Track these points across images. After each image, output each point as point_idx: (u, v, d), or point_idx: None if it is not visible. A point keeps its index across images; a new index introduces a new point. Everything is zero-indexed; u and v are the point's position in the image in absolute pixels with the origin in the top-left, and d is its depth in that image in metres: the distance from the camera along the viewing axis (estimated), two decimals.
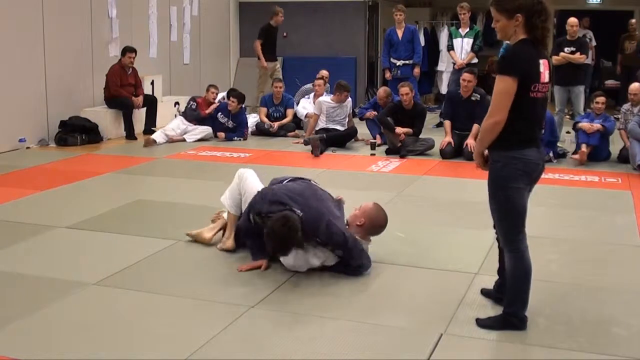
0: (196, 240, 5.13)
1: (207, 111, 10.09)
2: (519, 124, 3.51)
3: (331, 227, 4.41)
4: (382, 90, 10.08)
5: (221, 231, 5.14)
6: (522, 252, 3.64)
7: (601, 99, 8.87)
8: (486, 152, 3.65)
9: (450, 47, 11.27)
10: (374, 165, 8.36)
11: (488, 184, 3.66)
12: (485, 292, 4.14)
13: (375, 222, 4.64)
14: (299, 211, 4.39)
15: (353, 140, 9.84)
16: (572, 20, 9.87)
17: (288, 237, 4.27)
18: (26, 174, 7.71)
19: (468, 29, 11.18)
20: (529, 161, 3.56)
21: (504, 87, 3.47)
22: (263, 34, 11.89)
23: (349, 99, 9.89)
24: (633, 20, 13.92)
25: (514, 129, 3.50)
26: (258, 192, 4.77)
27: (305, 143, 9.37)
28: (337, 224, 4.46)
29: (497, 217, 3.66)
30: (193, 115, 10.03)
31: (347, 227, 4.60)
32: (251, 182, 4.95)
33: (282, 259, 4.52)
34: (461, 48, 11.12)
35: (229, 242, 4.98)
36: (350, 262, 4.49)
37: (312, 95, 10.72)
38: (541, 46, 3.59)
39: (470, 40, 11.09)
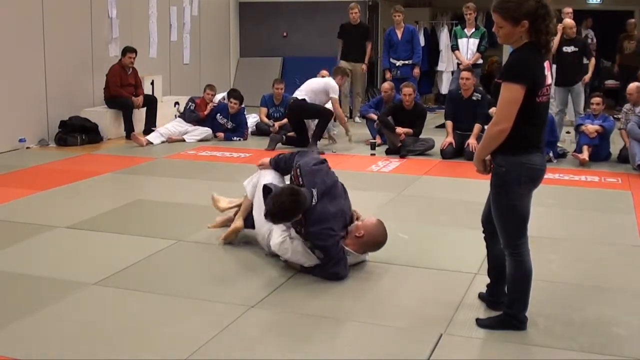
0: (213, 204, 5.38)
1: (206, 112, 10.08)
2: (525, 129, 3.46)
3: (322, 236, 4.42)
4: (386, 84, 10.05)
5: (234, 209, 5.25)
6: (522, 256, 3.63)
7: (596, 99, 8.88)
8: (488, 157, 3.63)
9: (455, 47, 11.22)
10: (374, 165, 8.36)
11: (491, 188, 3.64)
12: (481, 296, 4.14)
13: (374, 239, 4.62)
14: (315, 198, 4.45)
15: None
16: (571, 22, 9.86)
17: (287, 209, 4.34)
18: (26, 174, 7.71)
19: (474, 30, 11.13)
20: (534, 167, 3.53)
21: (511, 95, 3.40)
22: (340, 32, 11.79)
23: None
24: (632, 20, 13.91)
25: (519, 134, 3.45)
26: (311, 156, 4.84)
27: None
28: (333, 239, 4.44)
29: (499, 221, 3.63)
30: (192, 117, 10.02)
31: (346, 234, 4.60)
32: (268, 176, 4.99)
33: (277, 236, 4.57)
34: (467, 48, 11.08)
35: (239, 222, 5.05)
36: (326, 267, 4.48)
37: None
38: (545, 50, 3.50)
39: (476, 41, 11.04)
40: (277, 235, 4.60)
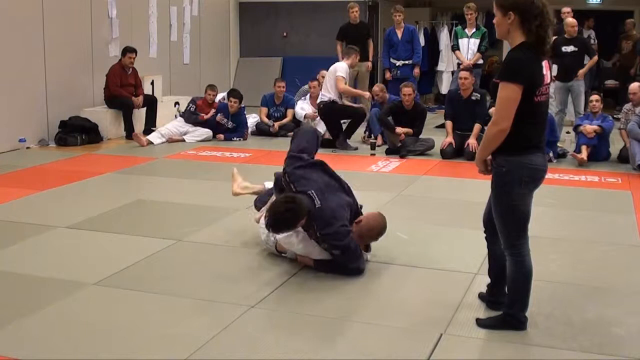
0: (233, 179, 5.44)
1: (207, 117, 10.01)
2: (524, 129, 3.47)
3: (338, 235, 4.42)
4: (376, 86, 10.09)
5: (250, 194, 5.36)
6: (523, 257, 3.63)
7: (594, 97, 8.89)
8: (489, 157, 3.63)
9: (456, 47, 11.22)
10: (374, 165, 8.36)
11: (492, 188, 3.64)
12: (481, 296, 4.14)
13: (371, 226, 4.63)
14: (318, 201, 4.42)
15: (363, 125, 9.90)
16: (572, 21, 9.86)
17: (286, 218, 4.33)
18: (26, 174, 7.71)
19: (475, 30, 11.12)
20: (535, 167, 3.53)
21: (508, 94, 3.41)
22: (339, 34, 11.79)
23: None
24: (629, 20, 13.90)
25: (519, 134, 3.45)
26: (301, 157, 4.74)
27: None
28: (349, 236, 4.46)
29: (499, 221, 3.63)
30: (191, 118, 10.00)
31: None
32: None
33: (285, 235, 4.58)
34: (467, 48, 11.08)
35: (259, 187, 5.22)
36: (346, 264, 4.50)
37: (308, 96, 10.70)
38: (540, 50, 3.51)
39: (477, 41, 11.03)
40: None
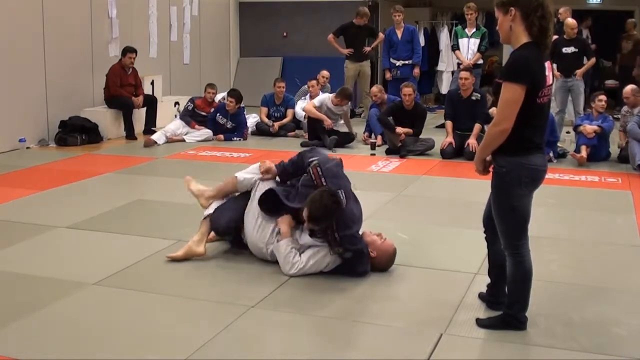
0: (184, 259, 4.77)
1: (197, 126, 9.97)
2: (525, 130, 3.46)
3: (356, 239, 4.47)
4: (374, 88, 10.09)
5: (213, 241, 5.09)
6: (523, 256, 3.63)
7: (603, 97, 8.88)
8: (488, 157, 3.63)
9: (456, 47, 11.22)
10: (374, 165, 8.36)
11: (491, 188, 3.64)
12: (481, 296, 4.14)
13: (381, 263, 4.61)
14: (344, 202, 4.44)
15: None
16: (572, 22, 9.86)
17: (332, 210, 4.32)
18: (26, 174, 7.71)
19: (475, 30, 11.12)
20: (535, 168, 3.54)
21: (511, 95, 3.41)
22: (338, 30, 11.82)
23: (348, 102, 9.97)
24: (630, 20, 13.89)
25: (520, 134, 3.45)
26: (324, 155, 4.78)
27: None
28: (362, 240, 4.52)
29: (499, 221, 3.63)
30: (186, 119, 9.99)
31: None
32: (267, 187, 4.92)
33: (292, 261, 4.50)
34: (467, 48, 11.08)
35: (200, 249, 4.81)
36: (356, 268, 4.52)
37: (308, 96, 10.71)
38: (542, 47, 3.51)
39: (477, 41, 11.03)
40: (287, 266, 4.50)
